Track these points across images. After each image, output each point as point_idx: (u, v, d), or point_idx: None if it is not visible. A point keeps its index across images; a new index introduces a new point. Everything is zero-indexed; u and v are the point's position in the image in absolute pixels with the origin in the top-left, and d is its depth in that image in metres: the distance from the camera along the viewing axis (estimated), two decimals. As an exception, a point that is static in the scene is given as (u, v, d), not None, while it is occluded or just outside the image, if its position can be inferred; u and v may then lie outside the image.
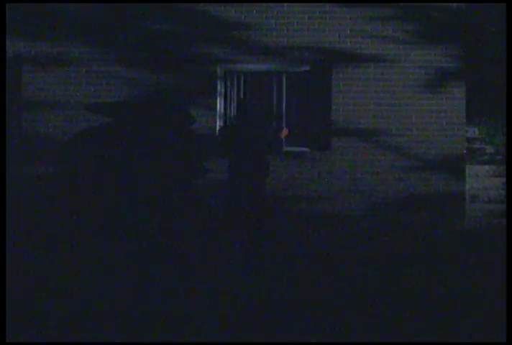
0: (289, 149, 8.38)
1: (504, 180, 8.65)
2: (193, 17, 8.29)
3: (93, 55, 8.28)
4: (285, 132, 7.58)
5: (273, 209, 8.15)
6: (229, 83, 8.47)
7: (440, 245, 7.44)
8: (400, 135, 8.31)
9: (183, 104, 8.28)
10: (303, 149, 8.42)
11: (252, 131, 7.29)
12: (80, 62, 8.28)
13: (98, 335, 4.74)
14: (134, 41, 8.28)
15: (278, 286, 5.93)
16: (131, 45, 8.29)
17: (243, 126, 7.31)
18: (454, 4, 8.26)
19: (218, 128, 8.28)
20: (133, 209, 8.19)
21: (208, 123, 8.28)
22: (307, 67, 8.41)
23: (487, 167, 8.88)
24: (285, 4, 8.27)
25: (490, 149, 9.20)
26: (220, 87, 8.38)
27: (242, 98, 8.34)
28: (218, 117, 8.34)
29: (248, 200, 7.24)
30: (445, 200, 8.27)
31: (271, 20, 8.29)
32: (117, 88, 8.28)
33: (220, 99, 8.38)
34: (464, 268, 6.53)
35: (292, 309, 5.31)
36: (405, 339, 4.70)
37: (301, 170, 8.31)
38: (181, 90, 8.28)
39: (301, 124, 8.47)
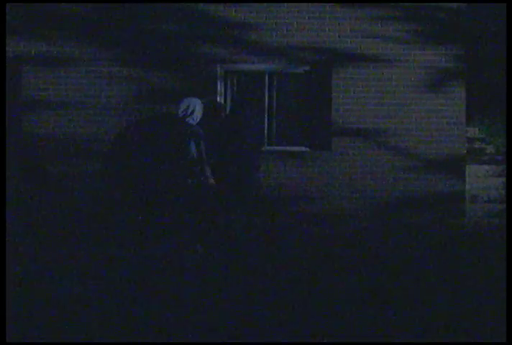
0: (289, 149, 8.39)
1: (504, 180, 8.65)
2: (193, 17, 8.29)
3: (93, 55, 8.28)
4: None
5: (267, 209, 8.16)
6: (229, 83, 8.48)
7: (440, 245, 7.44)
8: (400, 135, 8.31)
9: (183, 104, 8.27)
10: (303, 149, 8.42)
11: (229, 131, 7.35)
12: (80, 62, 8.28)
13: (98, 335, 4.73)
14: (134, 41, 8.28)
15: (278, 286, 5.93)
16: (131, 45, 8.29)
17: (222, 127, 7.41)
18: (454, 4, 8.26)
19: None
20: (133, 208, 8.18)
21: (209, 123, 8.27)
22: (307, 67, 8.41)
23: (487, 167, 8.88)
24: (285, 4, 8.27)
25: (490, 149, 9.21)
26: (220, 87, 8.38)
27: (219, 102, 8.19)
28: (218, 117, 8.35)
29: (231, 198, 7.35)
30: (445, 200, 8.28)
31: (271, 20, 8.29)
32: (117, 88, 8.28)
33: (220, 99, 8.38)
34: (464, 268, 6.53)
35: (291, 309, 5.31)
36: (406, 339, 4.70)
37: (301, 170, 8.31)
38: (181, 90, 8.28)
39: (301, 124, 8.47)
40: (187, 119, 7.19)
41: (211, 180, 7.07)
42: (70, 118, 8.27)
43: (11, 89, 8.26)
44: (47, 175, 8.20)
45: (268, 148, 8.40)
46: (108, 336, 4.71)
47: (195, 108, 7.21)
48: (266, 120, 8.48)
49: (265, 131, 8.49)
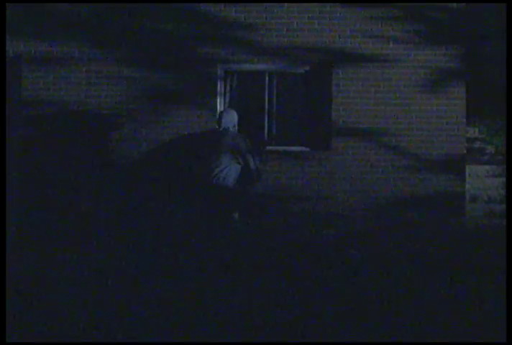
0: (289, 149, 8.39)
1: (504, 180, 8.65)
2: (193, 17, 8.29)
3: (93, 55, 8.28)
4: None
5: (267, 209, 8.17)
6: (229, 83, 8.48)
7: (440, 245, 7.44)
8: (400, 135, 8.31)
9: (183, 104, 8.28)
10: (303, 149, 8.42)
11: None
12: (80, 62, 8.28)
13: (98, 335, 4.74)
14: (134, 41, 8.28)
15: (277, 285, 5.93)
16: (131, 45, 8.29)
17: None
18: (454, 4, 8.26)
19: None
20: (133, 208, 8.18)
21: (208, 123, 8.28)
22: (307, 67, 8.41)
23: (487, 167, 8.88)
24: (285, 4, 8.27)
25: (490, 149, 9.20)
26: (220, 87, 8.38)
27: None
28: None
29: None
30: (445, 200, 8.27)
31: (271, 20, 8.29)
32: (117, 88, 8.28)
33: (220, 99, 8.38)
34: (465, 268, 6.53)
35: (291, 309, 5.31)
36: (406, 339, 4.70)
37: (301, 170, 8.31)
38: (181, 90, 8.28)
39: (301, 124, 8.47)
40: (231, 128, 7.49)
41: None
42: (70, 118, 8.27)
43: (11, 89, 8.26)
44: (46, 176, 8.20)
45: (268, 148, 8.40)
46: (109, 336, 4.71)
47: (236, 120, 7.55)
48: (266, 120, 8.48)
49: (265, 131, 8.49)
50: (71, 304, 5.38)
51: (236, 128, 7.58)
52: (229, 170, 7.31)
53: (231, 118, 7.49)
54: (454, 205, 8.27)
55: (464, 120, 8.34)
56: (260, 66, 8.38)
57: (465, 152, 8.38)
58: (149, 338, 4.70)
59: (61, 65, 8.28)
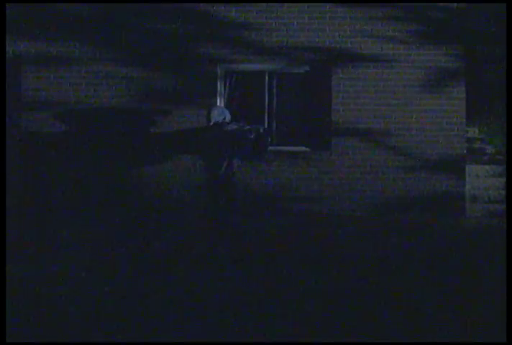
0: (289, 149, 8.39)
1: (504, 180, 8.65)
2: (194, 17, 8.29)
3: (93, 55, 8.28)
4: None
5: (267, 209, 8.18)
6: (228, 83, 8.48)
7: (440, 245, 7.44)
8: (400, 135, 8.31)
9: (183, 104, 8.28)
10: (303, 149, 8.42)
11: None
12: (80, 62, 8.28)
13: (98, 335, 4.74)
14: (134, 41, 8.28)
15: (278, 286, 5.93)
16: (131, 45, 8.29)
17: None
18: (454, 4, 8.26)
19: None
20: (133, 207, 8.19)
21: (208, 123, 8.28)
22: (307, 67, 8.41)
23: (487, 167, 8.88)
24: (285, 4, 8.27)
25: (490, 149, 9.20)
26: (220, 87, 8.38)
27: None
28: (218, 117, 8.34)
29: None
30: (445, 200, 8.27)
31: (271, 20, 8.29)
32: (117, 88, 8.28)
33: (220, 99, 8.38)
34: (464, 268, 6.53)
35: (291, 309, 5.31)
36: (406, 339, 4.70)
37: (301, 170, 8.31)
38: (181, 90, 8.28)
39: (301, 124, 8.47)
40: (223, 123, 7.61)
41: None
42: (70, 118, 8.28)
43: (11, 89, 8.26)
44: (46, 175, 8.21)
45: (268, 148, 8.39)
46: (109, 336, 4.71)
47: (226, 113, 7.69)
48: (266, 120, 8.48)
49: (265, 131, 8.48)
50: (71, 304, 5.38)
51: (228, 121, 7.67)
52: (230, 161, 7.52)
53: (220, 112, 7.61)
54: (454, 205, 8.27)
55: (464, 120, 8.34)
56: (260, 66, 8.38)
57: (465, 152, 8.38)
58: (150, 338, 4.70)
59: (61, 65, 8.28)
